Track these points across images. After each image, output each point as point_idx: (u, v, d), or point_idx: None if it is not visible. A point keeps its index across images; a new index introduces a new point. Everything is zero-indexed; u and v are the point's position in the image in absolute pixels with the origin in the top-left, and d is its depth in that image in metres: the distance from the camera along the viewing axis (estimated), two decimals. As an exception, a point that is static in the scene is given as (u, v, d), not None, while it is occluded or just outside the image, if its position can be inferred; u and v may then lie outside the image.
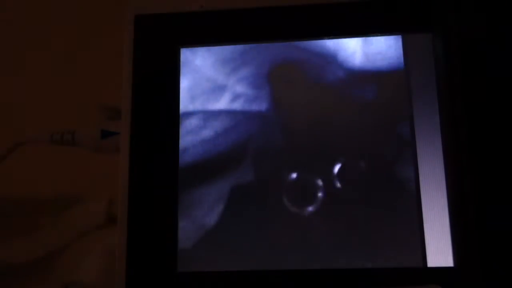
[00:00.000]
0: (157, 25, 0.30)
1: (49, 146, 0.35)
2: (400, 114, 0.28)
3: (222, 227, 0.28)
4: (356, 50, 0.29)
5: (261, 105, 0.29)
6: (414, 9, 0.29)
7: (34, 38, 0.41)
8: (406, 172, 0.27)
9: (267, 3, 0.29)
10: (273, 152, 0.28)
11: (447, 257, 0.26)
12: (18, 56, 0.41)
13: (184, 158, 0.28)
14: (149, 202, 0.28)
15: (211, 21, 0.30)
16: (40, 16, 0.41)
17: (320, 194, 0.28)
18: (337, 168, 0.28)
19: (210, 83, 0.29)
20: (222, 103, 0.29)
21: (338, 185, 0.28)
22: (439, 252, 0.26)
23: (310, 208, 0.27)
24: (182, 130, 0.29)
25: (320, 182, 0.28)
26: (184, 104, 0.29)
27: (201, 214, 0.28)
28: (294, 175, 0.28)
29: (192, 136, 0.29)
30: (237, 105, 0.29)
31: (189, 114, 0.29)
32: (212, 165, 0.28)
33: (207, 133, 0.29)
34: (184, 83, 0.29)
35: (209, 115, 0.29)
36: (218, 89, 0.29)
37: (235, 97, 0.29)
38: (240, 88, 0.29)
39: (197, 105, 0.29)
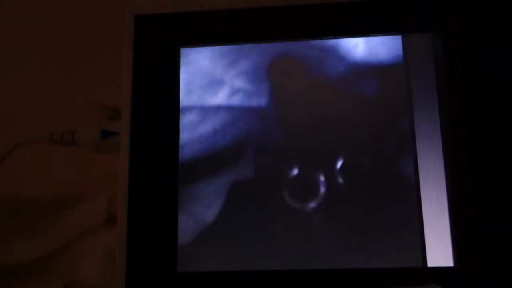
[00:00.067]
0: (157, 25, 0.30)
1: (49, 146, 0.35)
2: (400, 114, 0.28)
3: (222, 224, 0.28)
4: (358, 43, 0.29)
5: (260, 100, 0.29)
6: (414, 9, 0.29)
7: (34, 38, 0.41)
8: (406, 172, 0.27)
9: (267, 3, 0.29)
10: (273, 148, 0.28)
11: (447, 257, 0.26)
12: (18, 56, 0.41)
13: (183, 154, 0.28)
14: (149, 202, 0.28)
15: (211, 21, 0.30)
16: (40, 16, 0.41)
17: (320, 191, 0.28)
18: (337, 165, 0.28)
19: (207, 77, 0.29)
20: (220, 98, 0.29)
21: (338, 183, 0.28)
22: (439, 252, 0.26)
23: (311, 205, 0.27)
24: (180, 125, 0.29)
25: (320, 178, 0.28)
26: (182, 98, 0.29)
27: (201, 211, 0.28)
28: (294, 171, 0.28)
29: (190, 132, 0.29)
30: (236, 100, 0.29)
31: (188, 109, 0.29)
32: (212, 162, 0.28)
33: (206, 128, 0.29)
34: (182, 76, 0.29)
35: (208, 110, 0.29)
36: (216, 83, 0.29)
37: (234, 92, 0.29)
38: (239, 83, 0.29)
39: (195, 100, 0.29)
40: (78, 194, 0.38)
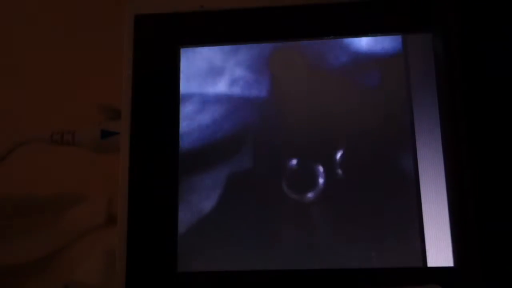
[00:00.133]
0: (157, 25, 0.30)
1: (49, 146, 0.35)
2: (400, 108, 0.28)
3: (221, 216, 0.28)
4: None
5: (260, 90, 0.29)
6: (414, 9, 0.29)
7: (34, 38, 0.41)
8: (405, 172, 0.27)
9: (267, 3, 0.29)
10: (272, 138, 0.28)
11: (447, 257, 0.26)
12: (18, 56, 0.41)
13: (182, 144, 0.28)
14: (149, 202, 0.28)
15: (211, 21, 0.30)
16: (40, 16, 0.41)
17: (318, 183, 0.27)
18: (335, 157, 0.28)
19: (207, 65, 0.29)
20: (220, 87, 0.29)
21: (336, 177, 0.28)
22: (439, 252, 0.26)
23: (309, 195, 0.27)
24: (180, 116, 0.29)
25: (319, 170, 0.28)
26: (182, 86, 0.29)
27: (200, 203, 0.28)
28: (293, 162, 0.28)
29: (188, 121, 0.29)
30: (236, 89, 0.29)
31: (187, 97, 0.29)
32: (210, 154, 0.28)
33: (205, 118, 0.29)
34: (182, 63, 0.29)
35: (207, 100, 0.29)
36: (216, 72, 0.29)
37: (234, 81, 0.29)
38: (239, 72, 0.29)
39: (194, 88, 0.29)
40: (78, 194, 0.38)
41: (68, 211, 0.37)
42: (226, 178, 0.28)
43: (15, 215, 0.37)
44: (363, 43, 0.29)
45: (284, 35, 0.29)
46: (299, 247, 0.27)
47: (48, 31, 0.41)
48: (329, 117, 0.28)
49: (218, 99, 0.29)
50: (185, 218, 0.28)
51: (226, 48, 0.29)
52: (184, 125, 0.29)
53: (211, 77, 0.29)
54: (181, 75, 0.29)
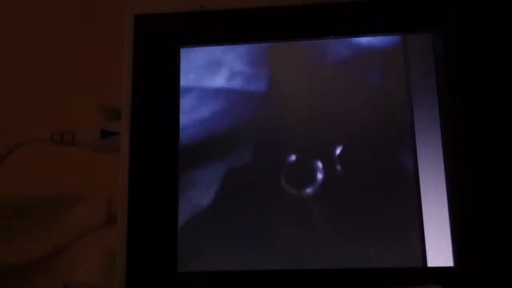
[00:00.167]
0: (157, 25, 0.30)
1: (49, 146, 0.35)
2: (400, 114, 0.28)
3: (220, 213, 0.28)
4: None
5: (259, 85, 0.29)
6: (414, 9, 0.29)
7: (34, 38, 0.41)
8: (405, 172, 0.27)
9: (267, 3, 0.29)
10: (271, 134, 0.28)
11: (447, 257, 0.26)
12: (18, 56, 0.41)
13: (181, 144, 0.28)
14: (149, 202, 0.28)
15: (211, 21, 0.30)
16: (40, 16, 0.41)
17: (317, 178, 0.27)
18: (335, 155, 0.28)
19: (206, 58, 0.29)
20: (219, 81, 0.29)
21: (336, 175, 0.28)
22: (439, 252, 0.26)
23: (308, 190, 0.27)
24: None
25: (318, 166, 0.28)
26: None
27: (199, 199, 0.28)
28: (292, 158, 0.28)
29: (187, 115, 0.29)
30: (235, 84, 0.29)
31: (185, 91, 0.29)
32: (209, 149, 0.28)
33: (203, 113, 0.29)
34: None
35: (205, 94, 0.29)
36: (215, 65, 0.29)
37: (233, 75, 0.29)
38: (238, 66, 0.29)
39: (192, 81, 0.29)
40: (78, 194, 0.38)
41: (68, 211, 0.37)
42: (225, 177, 0.28)
43: (15, 215, 0.37)
44: (364, 40, 0.29)
45: (284, 35, 0.29)
46: (299, 247, 0.27)
47: (48, 31, 0.41)
48: (328, 115, 0.28)
49: (216, 93, 0.29)
50: (185, 217, 0.28)
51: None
52: (183, 118, 0.29)
53: (210, 71, 0.29)
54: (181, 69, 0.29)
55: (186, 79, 0.29)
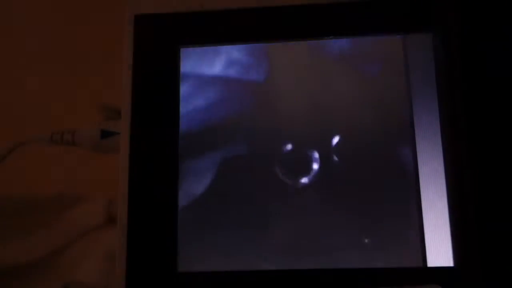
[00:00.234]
0: (157, 25, 0.30)
1: (49, 146, 0.35)
2: (400, 113, 0.28)
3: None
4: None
5: (258, 74, 0.29)
6: (414, 9, 0.28)
7: (34, 38, 0.41)
8: (405, 172, 0.27)
9: (267, 3, 0.29)
10: (268, 124, 0.28)
11: (447, 257, 0.26)
12: (18, 56, 0.41)
13: (182, 131, 0.28)
14: (149, 202, 0.28)
15: (211, 21, 0.30)
16: (40, 16, 0.41)
17: (313, 169, 0.27)
18: (332, 148, 0.28)
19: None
20: (217, 68, 0.29)
21: (334, 170, 0.28)
22: (439, 252, 0.26)
23: (304, 180, 0.27)
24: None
25: (315, 156, 0.28)
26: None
27: (197, 189, 0.28)
28: (288, 148, 0.28)
29: (183, 103, 0.29)
30: (233, 72, 0.29)
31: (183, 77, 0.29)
32: (206, 141, 0.28)
33: (199, 102, 0.29)
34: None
35: (202, 82, 0.29)
36: (213, 53, 0.29)
37: (231, 64, 0.29)
38: (236, 55, 0.29)
39: (188, 68, 0.29)
40: (78, 194, 0.38)
41: (68, 211, 0.37)
42: (222, 160, 0.28)
43: (15, 215, 0.37)
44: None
45: (284, 35, 0.29)
46: (299, 246, 0.27)
47: (48, 31, 0.41)
48: (326, 108, 0.28)
49: (214, 81, 0.29)
50: (185, 216, 0.28)
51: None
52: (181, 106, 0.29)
53: (207, 58, 0.29)
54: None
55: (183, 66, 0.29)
